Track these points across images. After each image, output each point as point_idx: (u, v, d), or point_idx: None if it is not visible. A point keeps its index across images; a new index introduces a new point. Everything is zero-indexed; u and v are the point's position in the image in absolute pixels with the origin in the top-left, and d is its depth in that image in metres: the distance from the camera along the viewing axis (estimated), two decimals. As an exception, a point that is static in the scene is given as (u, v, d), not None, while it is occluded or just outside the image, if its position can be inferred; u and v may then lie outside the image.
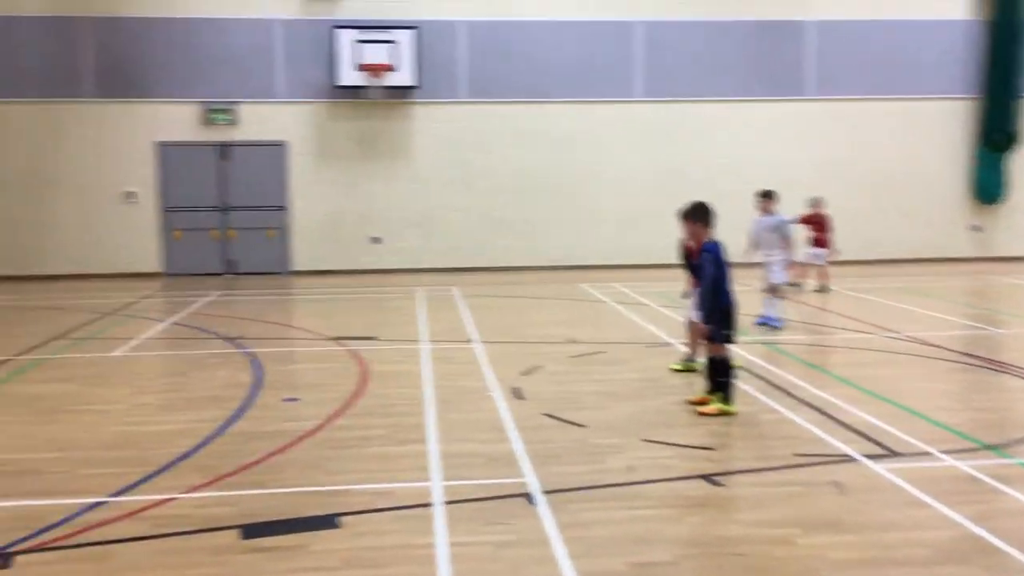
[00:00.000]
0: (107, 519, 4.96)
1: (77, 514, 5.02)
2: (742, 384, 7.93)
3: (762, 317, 10.81)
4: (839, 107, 18.15)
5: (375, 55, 16.79)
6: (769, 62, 18.01)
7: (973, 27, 18.06)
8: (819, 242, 14.37)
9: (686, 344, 8.86)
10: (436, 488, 5.41)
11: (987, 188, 18.23)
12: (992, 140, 18.02)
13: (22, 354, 9.78)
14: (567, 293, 14.50)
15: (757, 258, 10.91)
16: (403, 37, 16.91)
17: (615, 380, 8.28)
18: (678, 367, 8.50)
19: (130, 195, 17.26)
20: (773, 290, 10.85)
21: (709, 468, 5.78)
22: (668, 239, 17.63)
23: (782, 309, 10.99)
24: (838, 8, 17.92)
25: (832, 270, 14.52)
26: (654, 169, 18.01)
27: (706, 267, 7.06)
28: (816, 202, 14.62)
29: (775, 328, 10.67)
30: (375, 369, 8.81)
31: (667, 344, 9.94)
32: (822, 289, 14.03)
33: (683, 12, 17.75)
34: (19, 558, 4.48)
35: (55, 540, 4.70)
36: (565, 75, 17.77)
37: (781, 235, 10.81)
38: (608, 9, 17.74)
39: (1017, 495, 5.17)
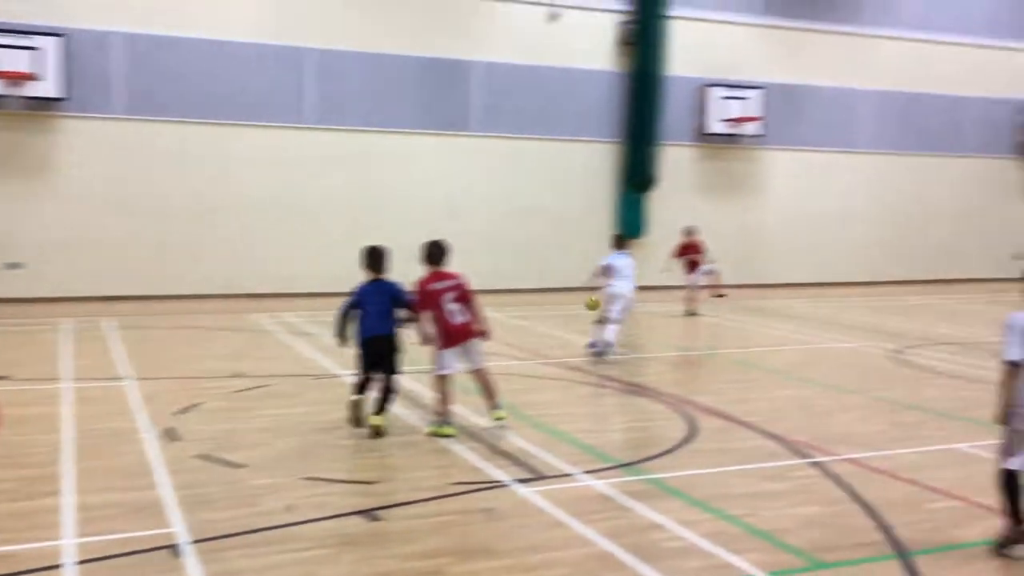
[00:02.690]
0: None
1: None
2: (409, 415, 8.08)
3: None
4: (501, 144, 19.19)
5: (12, 61, 15.15)
6: (438, 98, 18.65)
7: (617, 78, 19.98)
8: (694, 266, 15.96)
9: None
10: (68, 546, 4.92)
11: (630, 225, 20.16)
12: (633, 182, 20.00)
13: None
14: (236, 323, 13.96)
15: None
16: (47, 44, 15.41)
17: (279, 415, 8.07)
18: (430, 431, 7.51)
19: None
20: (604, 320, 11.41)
21: (368, 503, 5.79)
22: (348, 266, 17.65)
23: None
24: (502, 52, 19.01)
25: (497, 299, 15.27)
26: (325, 196, 17.89)
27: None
28: (690, 230, 15.92)
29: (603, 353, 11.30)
30: (5, 413, 7.87)
31: (335, 376, 9.88)
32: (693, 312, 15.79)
33: (355, 43, 17.90)
34: None
35: None
36: (235, 97, 17.19)
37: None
38: (280, 34, 17.45)
39: (643, 509, 5.72)
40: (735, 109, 20.52)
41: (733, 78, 20.68)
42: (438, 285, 7.41)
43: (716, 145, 20.91)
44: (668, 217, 19.99)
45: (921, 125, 22.81)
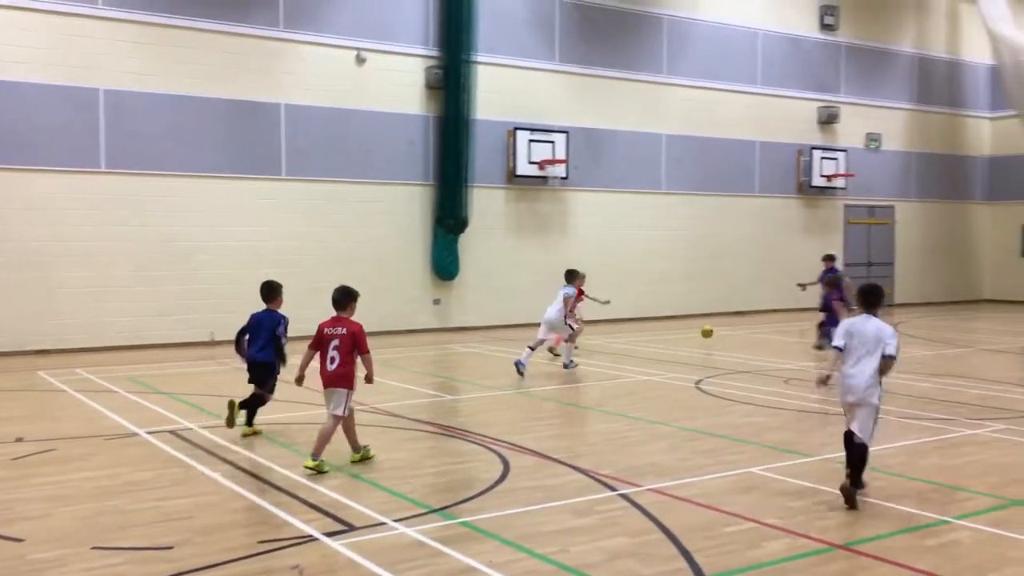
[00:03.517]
0: None
1: None
2: (210, 471, 7.71)
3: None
4: (310, 187, 18.85)
5: None
6: (243, 141, 18.13)
7: (427, 121, 20.17)
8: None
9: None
10: None
11: (444, 266, 20.28)
12: (446, 223, 20.16)
13: None
14: (19, 383, 12.89)
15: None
16: None
17: (65, 481, 7.48)
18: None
19: None
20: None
21: (166, 570, 5.44)
22: (148, 318, 16.71)
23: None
24: (306, 95, 18.76)
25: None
26: (123, 244, 16.92)
27: None
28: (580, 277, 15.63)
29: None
30: None
31: (133, 435, 9.29)
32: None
33: (152, 84, 17.16)
34: None
35: None
36: (20, 139, 16.03)
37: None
38: (70, 74, 16.47)
39: (456, 554, 5.67)
40: (541, 152, 21.17)
41: (538, 122, 21.35)
42: (328, 330, 7.82)
43: (525, 187, 21.46)
44: (481, 258, 20.32)
45: (714, 167, 24.36)
